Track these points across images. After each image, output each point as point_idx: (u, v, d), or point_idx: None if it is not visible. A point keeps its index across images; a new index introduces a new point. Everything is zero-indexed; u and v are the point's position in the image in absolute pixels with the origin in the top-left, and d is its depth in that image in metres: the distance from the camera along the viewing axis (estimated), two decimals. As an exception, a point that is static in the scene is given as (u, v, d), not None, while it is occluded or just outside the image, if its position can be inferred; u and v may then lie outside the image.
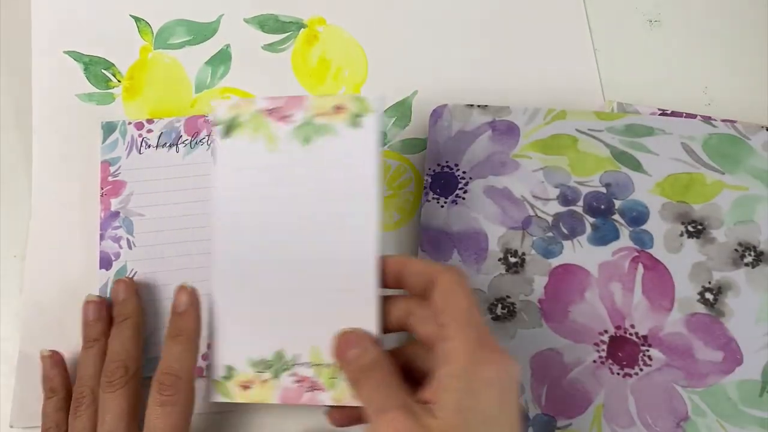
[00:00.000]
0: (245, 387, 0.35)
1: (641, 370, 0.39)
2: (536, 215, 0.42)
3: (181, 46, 0.47)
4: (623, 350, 0.40)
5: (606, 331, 0.40)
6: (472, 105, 0.44)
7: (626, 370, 0.39)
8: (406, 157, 0.45)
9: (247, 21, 0.47)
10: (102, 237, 0.42)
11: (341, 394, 0.35)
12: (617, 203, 0.42)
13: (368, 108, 0.35)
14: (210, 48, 0.47)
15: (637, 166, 0.42)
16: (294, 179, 0.35)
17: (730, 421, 0.38)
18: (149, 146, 0.43)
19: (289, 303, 0.35)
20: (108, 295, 0.40)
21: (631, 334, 0.40)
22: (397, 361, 0.32)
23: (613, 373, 0.39)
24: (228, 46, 0.47)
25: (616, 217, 0.42)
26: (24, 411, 0.40)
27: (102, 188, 0.42)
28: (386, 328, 0.34)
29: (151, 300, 0.41)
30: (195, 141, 0.43)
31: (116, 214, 0.42)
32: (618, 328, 0.40)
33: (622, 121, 0.43)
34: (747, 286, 0.40)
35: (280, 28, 0.47)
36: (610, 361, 0.40)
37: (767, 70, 0.47)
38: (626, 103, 0.45)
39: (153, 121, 0.43)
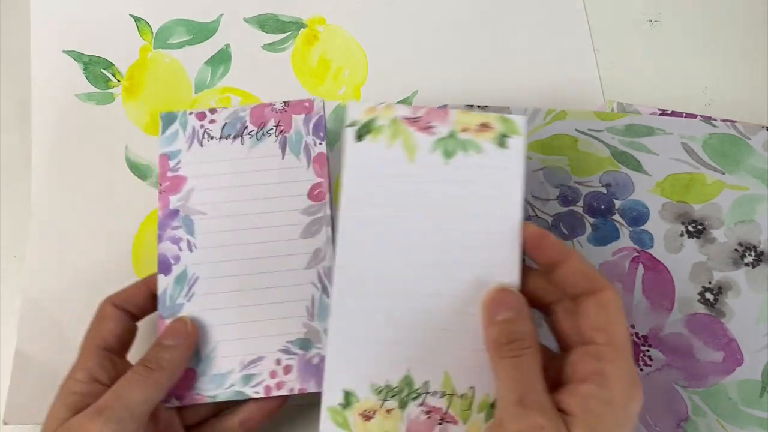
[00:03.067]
0: (367, 417, 0.32)
1: (641, 370, 0.39)
2: (536, 215, 0.42)
3: (180, 45, 0.47)
4: (623, 350, 0.40)
5: (606, 332, 0.40)
6: (471, 106, 0.44)
7: (627, 370, 0.39)
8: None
9: (247, 21, 0.47)
10: (160, 238, 0.37)
11: (476, 429, 0.32)
12: (617, 203, 0.42)
13: (516, 130, 0.34)
14: (210, 48, 0.47)
15: (637, 166, 0.42)
16: (432, 192, 0.33)
17: (731, 421, 0.38)
18: (212, 138, 0.39)
19: (420, 322, 0.32)
20: (167, 303, 0.36)
21: (631, 335, 0.40)
22: None
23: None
24: (228, 45, 0.47)
25: (616, 217, 0.42)
26: (19, 409, 0.40)
27: (161, 184, 0.38)
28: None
29: (212, 309, 0.37)
30: (261, 132, 0.39)
31: (175, 212, 0.38)
32: (618, 328, 0.40)
33: (622, 121, 0.43)
34: (747, 286, 0.40)
35: (280, 27, 0.47)
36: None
37: (767, 70, 0.47)
38: (626, 103, 0.45)
39: (216, 110, 0.39)
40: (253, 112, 0.39)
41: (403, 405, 0.32)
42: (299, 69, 0.47)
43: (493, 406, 0.31)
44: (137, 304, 0.37)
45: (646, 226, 0.41)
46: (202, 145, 0.39)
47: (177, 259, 0.37)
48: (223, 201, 0.38)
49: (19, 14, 0.47)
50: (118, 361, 0.35)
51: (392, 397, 0.32)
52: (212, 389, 0.35)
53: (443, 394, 0.32)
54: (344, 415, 0.32)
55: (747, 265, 0.40)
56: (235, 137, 0.39)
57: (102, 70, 0.46)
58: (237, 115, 0.39)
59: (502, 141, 0.33)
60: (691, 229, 0.41)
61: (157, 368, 0.33)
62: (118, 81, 0.46)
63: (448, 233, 0.33)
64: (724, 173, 0.42)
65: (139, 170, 0.45)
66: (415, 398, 0.32)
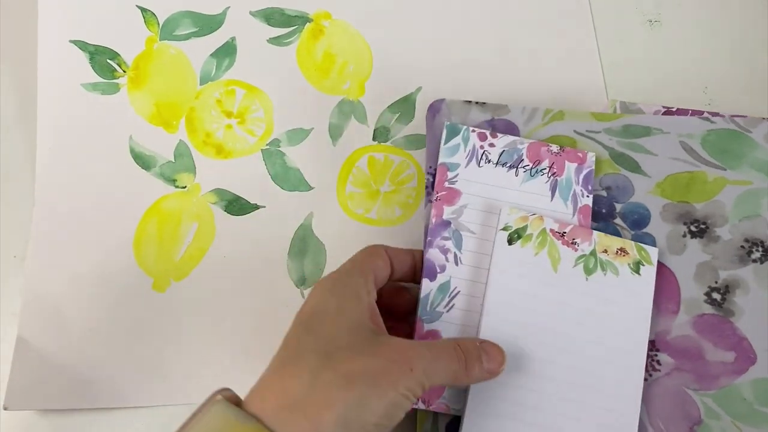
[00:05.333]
0: None
1: (650, 375, 0.38)
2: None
3: (186, 37, 0.47)
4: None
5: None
6: (470, 101, 0.43)
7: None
8: (409, 153, 0.45)
9: (253, 14, 0.48)
10: (430, 244, 0.38)
11: None
12: (618, 206, 0.41)
13: (649, 260, 0.38)
14: (215, 40, 0.47)
15: (636, 168, 0.42)
16: (570, 302, 0.37)
17: (746, 421, 0.37)
18: (489, 161, 0.40)
19: (549, 422, 0.35)
20: (428, 308, 0.37)
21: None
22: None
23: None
24: (233, 38, 0.47)
25: (618, 221, 0.41)
26: (19, 394, 0.40)
27: (437, 192, 0.39)
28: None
29: (470, 326, 0.37)
30: (535, 169, 0.40)
31: (447, 223, 0.39)
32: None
33: (620, 121, 0.43)
34: (756, 283, 0.39)
35: (285, 21, 0.48)
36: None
37: (767, 70, 0.48)
38: (630, 102, 0.45)
39: (497, 136, 0.41)
40: (530, 147, 0.41)
41: None
42: (304, 63, 0.47)
43: None
44: (401, 262, 0.37)
45: (648, 229, 0.41)
46: (479, 166, 0.40)
47: (443, 268, 0.38)
48: (490, 225, 0.39)
49: (27, 3, 0.47)
50: (375, 291, 0.35)
51: None
52: (457, 402, 0.36)
53: None
54: None
55: (755, 261, 0.40)
56: (510, 167, 0.40)
57: (108, 60, 0.46)
58: (515, 146, 0.41)
59: (636, 268, 0.38)
60: (693, 228, 0.41)
61: (467, 370, 0.33)
62: (124, 71, 0.46)
63: (580, 342, 0.36)
64: (725, 169, 0.42)
65: (142, 160, 0.45)
66: None
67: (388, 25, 0.48)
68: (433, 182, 0.40)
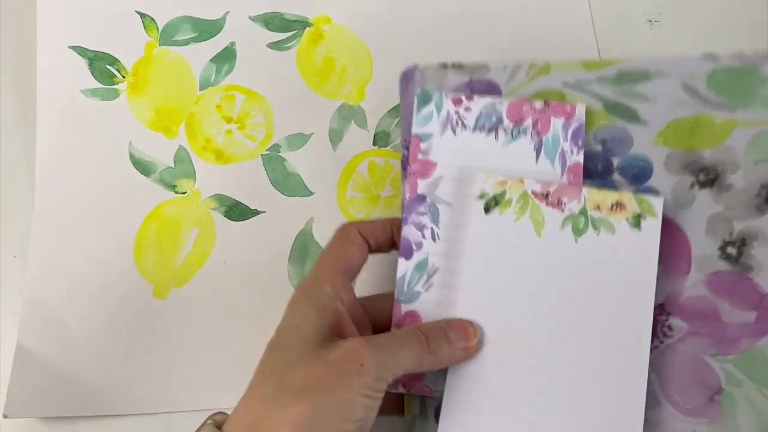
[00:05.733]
0: None
1: (661, 342, 0.35)
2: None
3: (186, 43, 0.47)
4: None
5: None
6: (446, 65, 0.40)
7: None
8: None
9: (252, 19, 0.48)
10: (405, 221, 0.36)
11: None
12: (615, 161, 0.37)
13: (652, 211, 0.34)
14: (215, 45, 0.47)
15: (633, 117, 0.37)
16: (559, 269, 0.34)
17: None
18: (465, 127, 0.37)
19: (536, 395, 0.33)
20: (405, 288, 0.36)
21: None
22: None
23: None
24: (233, 43, 0.47)
25: (616, 176, 0.37)
26: (19, 402, 0.39)
27: (410, 165, 0.37)
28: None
29: (447, 304, 0.35)
30: (517, 130, 0.37)
31: (422, 198, 0.36)
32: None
33: (614, 68, 0.38)
34: None
35: (285, 26, 0.48)
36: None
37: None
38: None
39: (473, 99, 0.37)
40: (510, 107, 0.37)
41: None
42: (304, 68, 0.47)
43: None
44: (378, 239, 0.36)
45: (651, 182, 0.36)
46: (455, 133, 0.37)
47: (419, 245, 0.36)
48: (470, 195, 0.36)
49: (26, 9, 0.47)
50: (351, 288, 0.34)
51: None
52: (440, 384, 0.34)
53: None
54: None
55: None
56: (489, 130, 0.37)
57: (107, 66, 0.46)
58: (493, 107, 0.37)
59: (636, 222, 0.34)
60: (702, 178, 0.36)
61: (433, 353, 0.32)
62: (123, 77, 0.46)
63: (574, 311, 0.33)
64: (734, 110, 0.36)
65: (142, 166, 0.44)
66: None
67: (387, 30, 0.48)
68: (408, 155, 0.38)
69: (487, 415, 0.33)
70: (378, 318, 0.36)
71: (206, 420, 0.31)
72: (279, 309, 0.41)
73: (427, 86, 0.39)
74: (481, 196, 0.35)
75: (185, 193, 0.44)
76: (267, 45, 0.47)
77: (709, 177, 0.36)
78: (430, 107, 0.38)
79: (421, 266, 0.36)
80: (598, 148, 0.37)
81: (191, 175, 0.44)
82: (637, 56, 0.39)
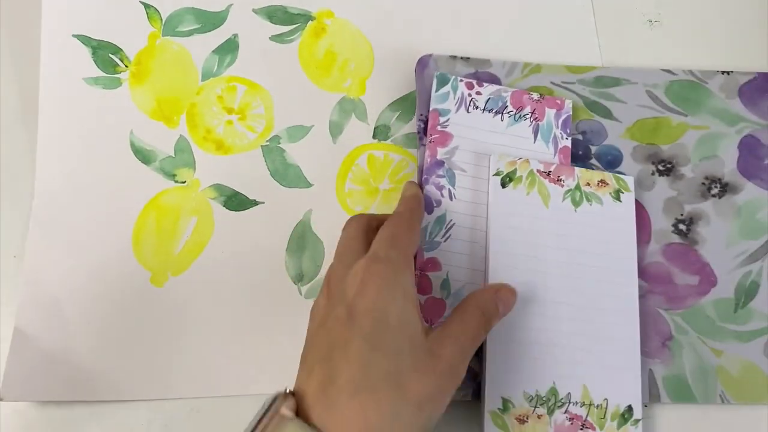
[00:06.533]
0: (521, 421, 0.38)
1: None
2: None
3: (189, 33, 0.47)
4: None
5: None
6: (455, 57, 0.47)
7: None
8: (409, 151, 0.46)
9: (255, 11, 0.48)
10: (426, 181, 0.42)
11: None
12: (593, 149, 0.45)
13: (626, 187, 0.43)
14: (218, 37, 0.47)
15: (608, 114, 0.46)
16: (563, 232, 0.41)
17: (710, 336, 0.42)
18: (477, 108, 0.44)
19: (560, 342, 0.39)
20: (427, 237, 0.41)
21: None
22: None
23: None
24: (236, 35, 0.47)
25: (594, 161, 0.45)
26: (15, 385, 0.38)
27: (431, 135, 0.43)
28: None
29: (462, 253, 0.41)
30: (518, 114, 0.44)
31: (441, 163, 0.43)
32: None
33: (592, 73, 0.47)
34: (715, 216, 0.44)
35: (288, 19, 0.48)
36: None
37: (767, 71, 0.48)
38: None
39: (483, 85, 0.45)
40: (513, 95, 0.45)
41: (550, 411, 0.38)
42: (306, 61, 0.47)
43: (623, 415, 0.38)
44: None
45: (621, 168, 0.45)
46: (468, 112, 0.44)
47: (438, 202, 0.42)
48: (480, 164, 0.43)
49: (30, -3, 0.47)
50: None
51: (541, 404, 0.38)
52: None
53: (583, 404, 0.38)
54: (503, 418, 0.38)
55: (714, 196, 0.45)
56: (496, 113, 0.44)
57: (110, 55, 0.46)
58: (500, 94, 0.45)
59: (617, 195, 0.42)
60: (661, 168, 0.45)
61: (487, 327, 0.35)
62: (126, 66, 0.46)
63: (577, 267, 0.40)
64: (687, 115, 0.46)
65: (142, 155, 0.44)
66: (560, 406, 0.38)
67: (389, 24, 0.48)
68: (425, 128, 0.44)
69: (518, 347, 0.39)
70: None
71: (278, 406, 0.30)
72: (275, 298, 0.42)
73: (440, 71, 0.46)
74: (497, 173, 0.42)
75: (185, 182, 0.44)
76: (269, 37, 0.48)
77: (666, 167, 0.45)
78: (447, 88, 0.45)
79: (440, 220, 0.42)
80: (580, 137, 0.46)
81: (191, 164, 0.45)
82: (612, 66, 0.48)
